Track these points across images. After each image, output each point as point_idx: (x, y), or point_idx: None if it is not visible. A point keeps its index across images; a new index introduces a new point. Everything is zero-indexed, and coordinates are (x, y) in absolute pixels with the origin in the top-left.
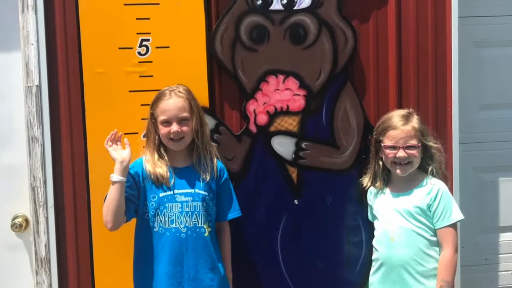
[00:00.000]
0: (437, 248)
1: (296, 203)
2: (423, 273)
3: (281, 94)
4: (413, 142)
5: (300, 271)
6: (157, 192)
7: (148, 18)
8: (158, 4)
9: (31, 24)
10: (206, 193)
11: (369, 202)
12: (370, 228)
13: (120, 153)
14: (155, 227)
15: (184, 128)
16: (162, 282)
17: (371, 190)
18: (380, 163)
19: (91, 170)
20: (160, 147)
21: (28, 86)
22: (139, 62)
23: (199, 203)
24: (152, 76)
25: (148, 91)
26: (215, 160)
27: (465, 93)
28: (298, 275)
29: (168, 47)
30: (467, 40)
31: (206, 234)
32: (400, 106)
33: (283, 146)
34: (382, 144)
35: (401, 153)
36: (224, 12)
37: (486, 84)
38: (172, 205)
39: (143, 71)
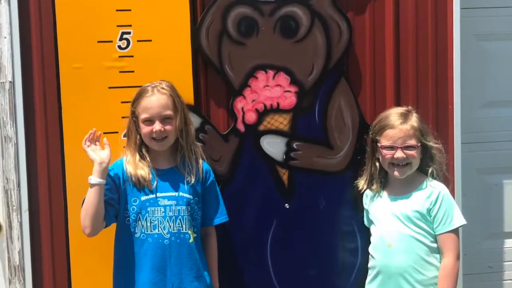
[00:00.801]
0: (438, 256)
1: (287, 207)
2: (423, 282)
3: (271, 90)
4: (412, 142)
5: (291, 279)
6: (138, 196)
7: (129, 10)
8: None
9: (4, 16)
10: (191, 197)
11: (365, 206)
12: (366, 233)
13: (99, 154)
14: (136, 233)
15: (168, 127)
16: None
17: (367, 193)
18: (377, 164)
19: (68, 172)
20: (142, 147)
21: (1, 82)
22: (120, 56)
23: (184, 207)
24: (133, 71)
25: (129, 88)
26: (200, 161)
27: (467, 90)
28: (289, 284)
29: (151, 40)
30: (470, 33)
31: (191, 240)
32: (398, 104)
33: (273, 146)
34: (379, 144)
35: (399, 154)
36: (210, 3)
37: (490, 79)
38: (155, 209)
39: (124, 66)
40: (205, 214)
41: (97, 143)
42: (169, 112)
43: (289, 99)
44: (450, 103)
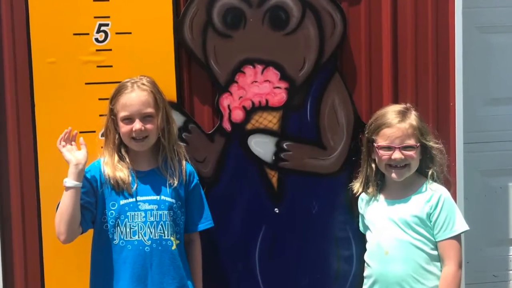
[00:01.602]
0: (438, 264)
1: (277, 211)
2: None
3: (260, 87)
4: (411, 142)
5: None
6: (117, 199)
7: (107, 0)
8: None
9: None
10: (173, 201)
11: (360, 210)
12: (361, 240)
13: (75, 155)
14: (115, 239)
15: (148, 126)
16: None
17: (363, 197)
18: (373, 165)
19: (42, 174)
20: (121, 147)
21: None
22: (97, 50)
23: (166, 212)
24: (111, 66)
25: (107, 84)
26: (183, 162)
27: (470, 86)
28: None
29: (130, 33)
30: (472, 25)
31: (174, 247)
32: (395, 101)
33: (262, 147)
34: (375, 144)
35: (397, 155)
36: None
37: (494, 75)
38: (135, 214)
39: (101, 61)
40: (188, 219)
41: (73, 143)
42: (150, 110)
43: (279, 96)
44: (452, 100)
